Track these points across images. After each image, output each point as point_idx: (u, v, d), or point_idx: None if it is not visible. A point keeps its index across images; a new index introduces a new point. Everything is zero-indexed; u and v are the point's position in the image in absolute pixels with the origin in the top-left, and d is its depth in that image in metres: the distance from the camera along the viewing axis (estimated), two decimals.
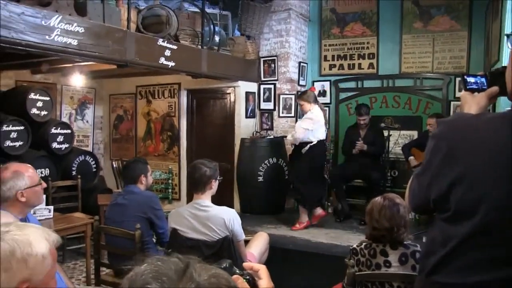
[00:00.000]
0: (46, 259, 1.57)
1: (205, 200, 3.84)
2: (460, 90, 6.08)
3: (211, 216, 3.76)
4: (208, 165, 3.85)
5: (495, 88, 1.97)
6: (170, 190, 8.21)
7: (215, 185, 3.91)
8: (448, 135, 1.85)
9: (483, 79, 2.01)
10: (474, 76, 2.02)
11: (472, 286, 1.79)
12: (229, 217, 3.75)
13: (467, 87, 2.01)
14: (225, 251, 3.69)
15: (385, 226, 2.97)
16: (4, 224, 1.56)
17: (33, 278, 1.51)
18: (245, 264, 1.36)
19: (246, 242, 4.22)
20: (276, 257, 5.04)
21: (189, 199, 4.85)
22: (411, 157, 6.83)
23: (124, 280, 0.94)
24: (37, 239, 1.55)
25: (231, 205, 4.50)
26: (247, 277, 1.24)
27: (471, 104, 1.98)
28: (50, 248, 1.59)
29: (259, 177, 7.21)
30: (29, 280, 1.50)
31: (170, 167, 8.47)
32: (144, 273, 0.93)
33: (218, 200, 4.02)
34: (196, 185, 3.87)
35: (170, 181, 8.25)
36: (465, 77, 2.02)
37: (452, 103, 7.39)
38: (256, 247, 4.47)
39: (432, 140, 1.91)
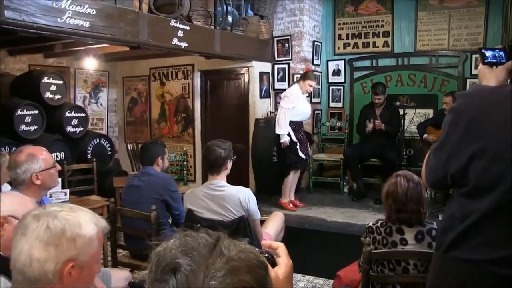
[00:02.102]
0: (93, 241, 1.66)
1: (220, 180, 3.84)
2: (476, 67, 6.02)
3: (227, 195, 3.76)
4: (222, 147, 3.84)
5: None
6: (185, 172, 8.22)
7: (229, 165, 3.90)
8: (468, 108, 1.82)
9: (501, 53, 1.96)
10: (492, 49, 1.98)
11: (490, 262, 1.77)
12: (244, 196, 3.75)
13: (485, 61, 1.97)
14: (241, 230, 3.69)
15: (413, 208, 2.93)
16: (58, 205, 1.70)
17: (79, 258, 1.60)
18: (263, 243, 1.36)
19: (262, 222, 4.22)
20: (292, 236, 5.04)
21: (204, 180, 4.86)
22: (426, 135, 6.79)
23: (152, 254, 0.94)
24: (86, 221, 1.66)
25: (246, 186, 4.49)
26: (266, 255, 1.23)
27: (490, 78, 1.94)
28: (98, 232, 1.69)
29: (274, 157, 7.18)
30: (75, 260, 1.59)
31: (185, 148, 8.47)
32: (173, 248, 0.92)
33: (233, 181, 4.01)
34: (211, 167, 3.86)
35: (185, 162, 8.26)
36: (483, 50, 1.98)
37: (468, 80, 7.31)
38: (272, 227, 4.46)
39: (450, 113, 1.88)
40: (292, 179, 6.66)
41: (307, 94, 6.84)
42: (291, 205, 6.66)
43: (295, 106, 6.42)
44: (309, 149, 6.81)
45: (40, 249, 1.53)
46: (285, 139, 6.39)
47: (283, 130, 6.39)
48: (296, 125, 6.51)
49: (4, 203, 2.22)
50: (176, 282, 0.86)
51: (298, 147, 6.44)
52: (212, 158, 3.81)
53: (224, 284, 0.85)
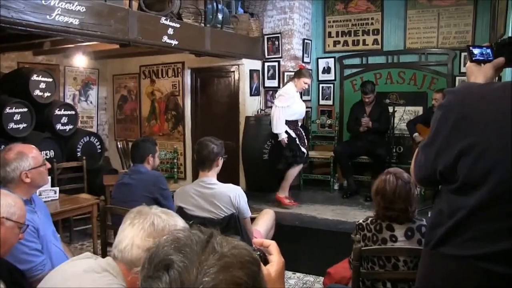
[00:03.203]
0: None
1: (211, 177, 3.85)
2: (465, 65, 6.06)
3: (217, 193, 3.76)
4: (215, 142, 3.86)
5: (501, 59, 1.96)
6: (175, 170, 8.20)
7: (220, 162, 3.91)
8: (456, 105, 1.83)
9: (488, 50, 1.99)
10: (480, 47, 2.00)
11: (479, 258, 1.78)
12: (234, 194, 3.76)
13: (473, 59, 1.99)
14: (231, 228, 3.70)
15: (401, 207, 2.95)
16: (159, 208, 2.03)
17: None
18: (255, 240, 1.36)
19: (252, 219, 4.22)
20: (283, 234, 5.05)
21: (195, 178, 4.87)
22: (416, 134, 6.82)
23: (145, 251, 0.94)
24: (180, 225, 1.94)
25: (237, 183, 4.49)
26: (258, 253, 1.23)
27: (478, 75, 1.96)
28: None
29: (264, 155, 7.18)
30: None
31: (175, 146, 8.44)
32: (165, 245, 0.93)
33: (224, 178, 4.02)
34: (203, 162, 3.87)
35: (175, 160, 8.24)
36: (471, 48, 2.01)
37: (457, 78, 7.34)
38: (262, 225, 4.47)
39: (439, 110, 1.89)
40: (293, 174, 6.63)
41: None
42: (289, 200, 6.61)
43: (290, 105, 6.34)
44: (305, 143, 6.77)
45: (142, 238, 1.86)
46: (283, 137, 6.32)
47: (280, 129, 6.33)
48: (292, 124, 6.44)
49: None
50: (169, 279, 0.87)
51: (298, 142, 6.39)
52: (204, 153, 3.83)
53: (217, 280, 0.85)
